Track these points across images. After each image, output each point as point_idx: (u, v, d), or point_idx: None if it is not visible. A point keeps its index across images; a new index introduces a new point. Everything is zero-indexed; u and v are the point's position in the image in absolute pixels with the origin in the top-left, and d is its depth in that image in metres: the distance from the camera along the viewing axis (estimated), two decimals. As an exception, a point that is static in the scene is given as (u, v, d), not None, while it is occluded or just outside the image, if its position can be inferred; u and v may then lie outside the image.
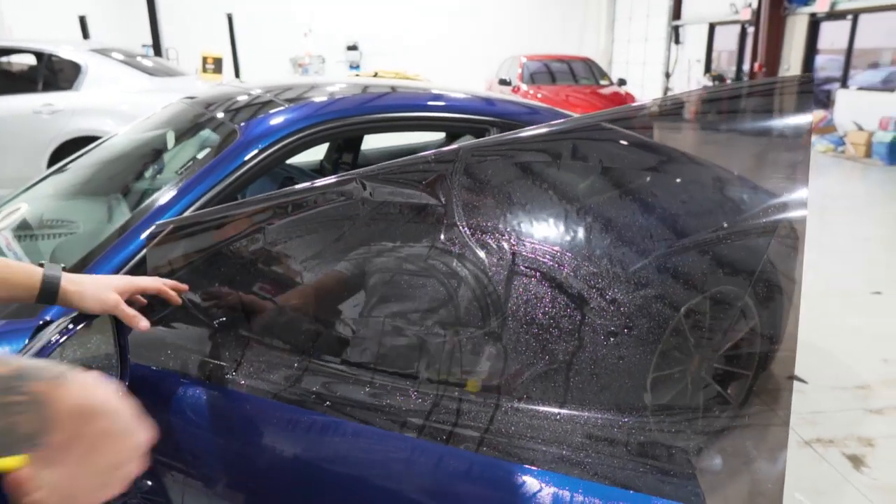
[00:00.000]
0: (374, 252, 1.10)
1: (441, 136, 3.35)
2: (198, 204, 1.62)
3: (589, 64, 11.67)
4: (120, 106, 5.74)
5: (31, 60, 6.17)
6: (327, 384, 1.08)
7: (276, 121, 1.76)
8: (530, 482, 0.87)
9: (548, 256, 1.04)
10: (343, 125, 1.82)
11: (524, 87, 10.52)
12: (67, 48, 5.99)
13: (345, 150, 3.12)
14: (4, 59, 6.30)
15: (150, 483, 1.21)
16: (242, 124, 1.78)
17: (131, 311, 1.06)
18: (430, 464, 0.93)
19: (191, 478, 1.20)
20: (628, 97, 10.05)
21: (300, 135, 1.75)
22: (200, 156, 1.77)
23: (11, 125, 5.64)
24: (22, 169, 5.22)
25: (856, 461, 2.48)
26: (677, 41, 15.51)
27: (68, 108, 5.69)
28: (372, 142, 3.31)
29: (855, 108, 10.33)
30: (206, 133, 1.98)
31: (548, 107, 2.49)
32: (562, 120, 1.56)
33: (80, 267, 1.49)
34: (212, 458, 1.14)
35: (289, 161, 2.71)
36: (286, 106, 1.82)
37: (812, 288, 4.20)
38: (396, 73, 2.47)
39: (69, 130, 5.66)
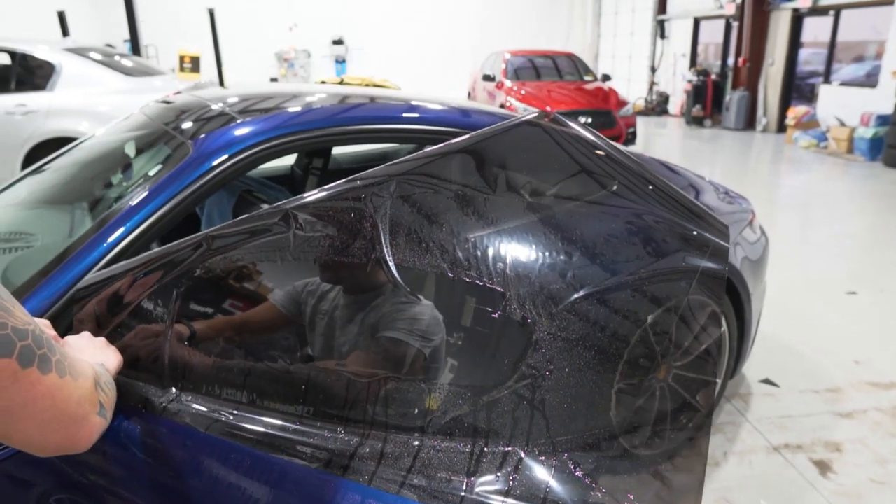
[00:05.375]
0: (307, 284, 1.09)
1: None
2: (150, 220, 1.60)
3: (573, 59, 11.65)
4: (97, 107, 5.69)
5: (4, 59, 6.08)
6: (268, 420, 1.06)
7: (236, 134, 1.74)
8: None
9: (477, 287, 1.03)
10: (300, 139, 1.80)
11: (508, 82, 10.48)
12: (41, 48, 5.91)
13: (315, 155, 3.09)
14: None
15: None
16: (202, 136, 1.76)
17: (53, 333, 1.05)
18: (354, 501, 0.92)
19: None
20: (612, 93, 10.05)
21: (256, 149, 1.72)
22: (152, 173, 1.74)
23: (-16, 126, 5.58)
24: (-5, 170, 5.18)
25: (822, 467, 2.49)
26: (663, 35, 15.52)
27: (42, 109, 5.62)
28: (343, 147, 3.27)
29: (837, 103, 10.39)
30: (160, 148, 1.95)
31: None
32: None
33: (32, 285, 1.46)
34: (149, 491, 1.12)
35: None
36: (241, 119, 1.80)
37: (790, 285, 4.23)
38: (363, 79, 2.44)
39: (43, 131, 5.60)
